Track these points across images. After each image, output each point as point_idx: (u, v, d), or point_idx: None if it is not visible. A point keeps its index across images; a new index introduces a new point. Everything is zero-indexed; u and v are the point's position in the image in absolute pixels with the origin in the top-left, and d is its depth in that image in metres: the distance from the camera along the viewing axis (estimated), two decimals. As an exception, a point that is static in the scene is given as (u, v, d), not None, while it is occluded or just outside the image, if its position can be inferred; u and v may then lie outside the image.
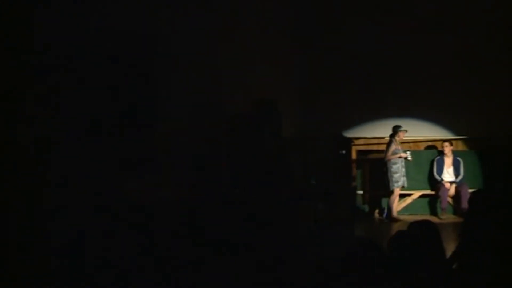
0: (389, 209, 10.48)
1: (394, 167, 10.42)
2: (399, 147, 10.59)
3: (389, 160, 10.44)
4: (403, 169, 10.51)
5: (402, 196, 10.85)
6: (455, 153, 10.89)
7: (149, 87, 6.09)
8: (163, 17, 6.42)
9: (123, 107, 5.59)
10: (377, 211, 11.15)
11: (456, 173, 10.78)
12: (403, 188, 10.58)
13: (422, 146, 11.54)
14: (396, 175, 10.43)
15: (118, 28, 5.51)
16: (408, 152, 10.63)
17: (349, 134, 11.85)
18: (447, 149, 10.79)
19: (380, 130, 11.66)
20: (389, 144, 10.54)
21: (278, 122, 8.61)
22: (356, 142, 11.76)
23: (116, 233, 5.10)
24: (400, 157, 10.47)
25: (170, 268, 5.03)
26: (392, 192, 10.49)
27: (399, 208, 10.81)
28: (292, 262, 5.81)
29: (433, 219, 10.39)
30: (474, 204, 4.60)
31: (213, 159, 7.68)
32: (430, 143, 11.56)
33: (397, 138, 10.52)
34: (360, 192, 11.27)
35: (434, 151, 11.38)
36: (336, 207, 8.72)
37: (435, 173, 10.83)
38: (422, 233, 4.21)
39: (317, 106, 11.91)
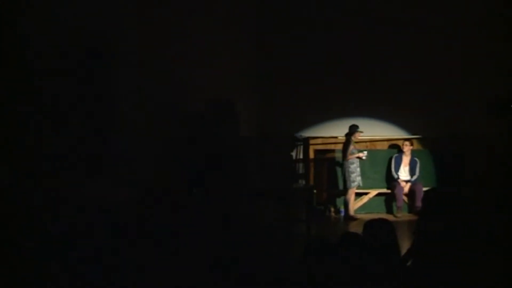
0: (346, 208, 10.59)
1: (352, 167, 10.52)
2: (355, 147, 10.70)
3: (347, 160, 10.53)
4: (358, 169, 10.61)
5: (359, 194, 10.97)
6: (413, 153, 11.07)
7: (102, 87, 6.00)
8: (115, 14, 6.32)
9: (74, 107, 5.49)
10: (333, 210, 11.24)
11: (412, 172, 10.97)
12: (358, 187, 10.69)
13: (378, 146, 11.70)
14: (353, 175, 10.53)
15: (67, 26, 5.41)
16: (365, 152, 10.74)
17: (307, 133, 11.92)
18: (407, 148, 10.99)
19: (337, 129, 11.76)
20: (346, 144, 10.63)
21: (236, 122, 8.60)
22: (314, 141, 11.83)
23: (71, 235, 5.02)
24: (357, 157, 10.58)
25: (124, 267, 4.98)
26: (347, 192, 10.59)
27: (356, 207, 10.93)
28: (249, 262, 5.81)
29: (389, 217, 10.53)
30: (427, 202, 4.68)
31: (169, 159, 7.61)
32: (392, 142, 11.72)
33: (353, 138, 10.61)
34: (320, 190, 11.35)
35: (391, 150, 11.54)
36: (292, 207, 8.76)
37: (392, 170, 11.01)
38: (378, 231, 4.26)
39: (275, 106, 11.95)
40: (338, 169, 11.04)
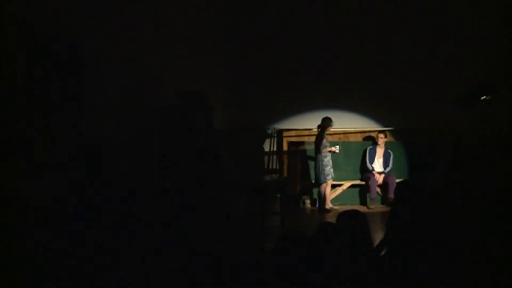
0: (321, 200, 10.64)
1: (325, 160, 10.56)
2: (327, 139, 10.72)
3: (321, 153, 10.56)
4: (331, 162, 10.66)
5: (332, 186, 11.02)
6: (387, 145, 11.15)
7: (68, 79, 5.91)
8: (84, 7, 6.25)
9: (38, 99, 5.41)
10: (308, 201, 11.28)
11: (385, 164, 11.06)
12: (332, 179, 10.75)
13: (351, 138, 11.76)
14: (327, 168, 10.57)
15: (35, 18, 5.33)
16: (337, 146, 10.79)
17: (280, 125, 11.93)
18: (381, 140, 11.05)
19: (311, 121, 11.79)
20: (319, 136, 10.64)
21: (209, 114, 8.56)
22: (287, 133, 11.86)
23: (33, 233, 4.95)
24: (330, 151, 10.63)
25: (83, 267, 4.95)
26: (320, 184, 10.65)
27: (329, 198, 11.00)
28: (223, 255, 5.81)
29: (363, 208, 10.62)
30: (400, 193, 4.74)
31: (143, 152, 7.56)
32: (366, 134, 11.79)
33: (325, 131, 10.64)
34: (294, 182, 11.38)
35: (364, 142, 11.61)
36: (267, 199, 8.77)
37: (367, 162, 11.09)
38: (351, 222, 4.30)
39: (248, 98, 11.94)
40: (311, 162, 11.08)
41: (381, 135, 11.10)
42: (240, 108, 11.91)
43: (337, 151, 10.72)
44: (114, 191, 6.21)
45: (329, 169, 10.60)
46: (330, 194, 11.02)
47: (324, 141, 10.59)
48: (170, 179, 7.44)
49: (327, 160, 10.58)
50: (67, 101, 5.84)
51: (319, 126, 10.71)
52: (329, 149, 10.62)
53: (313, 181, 10.89)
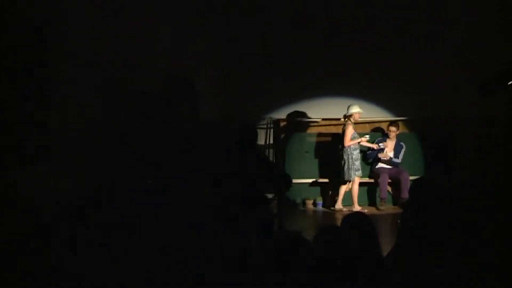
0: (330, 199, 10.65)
1: (355, 154, 10.58)
2: (356, 130, 10.73)
3: (349, 146, 10.59)
4: (360, 155, 10.71)
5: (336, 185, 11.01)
6: (399, 137, 11.10)
7: (43, 63, 5.87)
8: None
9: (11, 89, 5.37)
10: (310, 202, 11.26)
11: (395, 156, 11.00)
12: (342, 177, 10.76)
13: (359, 129, 11.65)
14: (357, 163, 10.60)
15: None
16: (367, 137, 10.82)
17: (277, 115, 11.91)
18: (393, 134, 10.98)
19: (312, 110, 11.76)
20: (346, 127, 10.69)
21: (196, 102, 8.52)
22: (284, 124, 11.82)
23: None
24: (360, 143, 10.66)
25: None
26: (346, 182, 10.73)
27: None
28: (213, 259, 5.79)
29: (371, 210, 10.60)
30: (415, 193, 4.67)
31: (120, 144, 7.52)
32: (376, 125, 11.75)
33: (352, 120, 10.65)
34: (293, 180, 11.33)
35: (373, 134, 11.56)
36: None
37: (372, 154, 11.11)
38: (355, 227, 4.25)
39: (242, 86, 11.89)
40: (307, 154, 11.07)
41: (393, 128, 11.02)
42: (233, 97, 11.85)
43: (366, 143, 10.77)
44: (87, 189, 6.18)
45: (359, 164, 10.62)
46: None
47: (352, 131, 10.60)
48: (151, 176, 7.41)
49: (357, 153, 10.61)
50: (32, 92, 5.78)
51: (345, 116, 10.70)
52: (358, 140, 10.62)
53: (343, 178, 10.81)
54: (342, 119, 10.86)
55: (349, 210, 10.39)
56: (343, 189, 10.73)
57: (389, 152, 11.05)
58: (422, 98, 11.58)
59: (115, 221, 5.91)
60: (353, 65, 11.80)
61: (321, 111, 11.53)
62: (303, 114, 11.90)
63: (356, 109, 10.64)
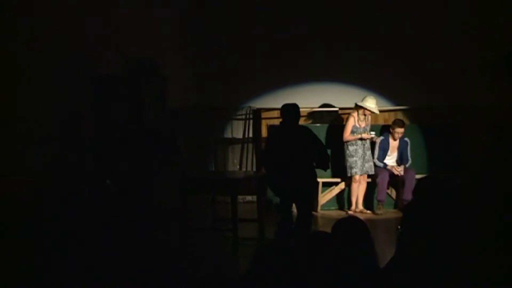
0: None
1: (351, 149, 10.61)
2: (365, 123, 10.72)
3: (347, 140, 10.69)
4: (360, 152, 10.69)
5: (328, 184, 10.99)
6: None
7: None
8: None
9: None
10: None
11: (403, 157, 10.92)
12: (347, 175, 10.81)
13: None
14: (351, 159, 10.61)
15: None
16: (373, 133, 10.79)
17: (258, 104, 11.93)
18: (397, 135, 10.87)
19: (298, 98, 11.71)
20: (348, 118, 10.80)
21: (163, 87, 8.51)
22: (267, 114, 11.83)
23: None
24: (361, 139, 10.66)
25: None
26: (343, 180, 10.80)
27: (323, 201, 10.97)
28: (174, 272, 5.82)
29: (367, 215, 10.60)
30: (419, 195, 4.65)
31: (74, 138, 7.49)
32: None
33: (354, 115, 10.70)
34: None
35: (372, 126, 11.57)
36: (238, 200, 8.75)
37: (375, 158, 10.98)
38: (348, 233, 4.23)
39: (216, 70, 11.83)
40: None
41: (400, 130, 10.89)
42: (205, 83, 11.80)
43: (374, 138, 10.76)
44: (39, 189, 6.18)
45: (354, 161, 10.61)
46: (325, 195, 10.99)
47: (353, 124, 10.66)
48: (109, 174, 7.40)
49: (353, 149, 10.63)
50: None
51: (356, 105, 10.80)
52: (359, 136, 10.62)
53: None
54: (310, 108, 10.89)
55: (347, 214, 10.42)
56: (354, 188, 10.76)
57: (392, 153, 11.00)
58: (424, 84, 11.60)
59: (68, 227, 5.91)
60: (345, 47, 11.77)
61: (308, 99, 11.49)
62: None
63: (369, 104, 10.66)
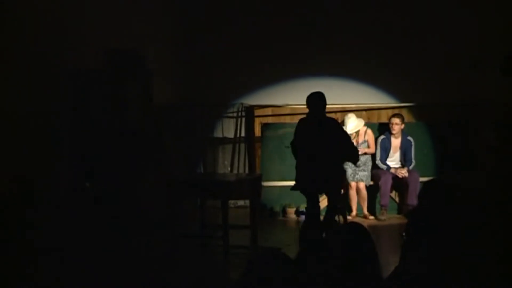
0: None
1: None
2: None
3: None
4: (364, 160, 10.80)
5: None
6: (404, 131, 11.07)
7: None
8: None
9: None
10: (292, 210, 11.24)
11: (406, 158, 10.95)
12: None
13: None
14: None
15: None
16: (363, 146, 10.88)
17: (251, 100, 11.93)
18: (397, 128, 10.89)
19: (294, 94, 11.73)
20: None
21: (148, 82, 8.51)
22: (261, 112, 11.84)
23: None
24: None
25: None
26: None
27: (322, 206, 10.96)
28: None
29: (370, 221, 10.61)
30: (426, 199, 4.64)
31: (50, 138, 7.49)
32: (374, 114, 11.74)
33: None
34: (271, 183, 11.34)
35: (372, 124, 11.58)
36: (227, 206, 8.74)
37: (377, 159, 10.98)
38: (348, 241, 4.23)
39: (205, 64, 11.84)
40: (289, 150, 11.05)
41: (396, 120, 10.96)
42: (193, 77, 11.80)
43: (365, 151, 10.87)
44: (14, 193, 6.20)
45: (345, 169, 10.65)
46: (322, 200, 11.00)
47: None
48: (90, 175, 7.41)
49: None
50: None
51: None
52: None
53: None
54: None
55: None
56: (352, 194, 10.86)
57: (394, 153, 11.01)
58: (431, 80, 11.63)
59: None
60: (346, 38, 11.81)
61: (305, 95, 11.47)
62: (282, 99, 11.89)
63: (349, 126, 10.69)
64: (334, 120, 8.97)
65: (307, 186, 8.64)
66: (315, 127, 8.49)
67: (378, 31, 11.73)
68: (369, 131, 10.97)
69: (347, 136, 8.83)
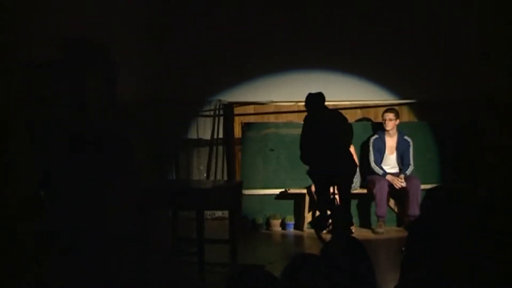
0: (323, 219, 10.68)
1: None
2: None
3: None
4: None
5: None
6: (401, 130, 11.10)
7: None
8: None
9: None
10: (277, 222, 11.26)
11: (404, 162, 10.97)
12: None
13: (347, 115, 11.73)
14: None
15: None
16: None
17: (230, 97, 11.97)
18: (390, 123, 10.91)
19: (283, 90, 11.76)
20: None
21: (111, 77, 8.49)
22: (241, 109, 11.90)
23: None
24: None
25: None
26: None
27: (310, 218, 10.98)
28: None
29: (366, 233, 10.63)
30: (429, 209, 4.64)
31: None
32: (370, 112, 11.80)
33: None
34: (253, 191, 11.36)
35: (363, 124, 11.60)
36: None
37: (372, 162, 10.99)
38: (342, 257, 4.24)
39: (177, 56, 11.85)
40: (273, 153, 11.10)
41: (389, 115, 10.98)
42: (165, 69, 11.80)
43: None
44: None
45: None
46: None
47: None
48: (45, 183, 7.39)
49: None
50: None
51: None
52: None
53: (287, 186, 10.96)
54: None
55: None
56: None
57: (389, 155, 11.03)
58: (434, 75, 11.68)
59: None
60: (338, 27, 11.87)
61: (292, 91, 11.52)
62: (266, 95, 11.91)
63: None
64: (338, 111, 10.14)
65: (322, 177, 9.62)
66: (324, 120, 9.53)
67: (372, 20, 11.78)
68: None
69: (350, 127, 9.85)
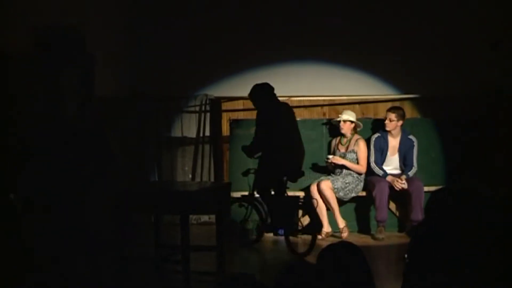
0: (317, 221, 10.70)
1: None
2: (342, 149, 11.01)
3: None
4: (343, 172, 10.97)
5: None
6: (405, 128, 11.10)
7: None
8: None
9: None
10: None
11: (406, 162, 10.98)
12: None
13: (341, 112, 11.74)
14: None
15: None
16: (330, 157, 10.92)
17: (217, 92, 11.97)
18: (391, 125, 10.90)
19: (274, 83, 11.74)
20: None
21: (88, 70, 8.48)
22: (229, 105, 11.93)
23: None
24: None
25: None
26: None
27: (305, 222, 10.98)
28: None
29: (365, 239, 10.62)
30: (433, 214, 4.64)
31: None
32: (370, 107, 11.82)
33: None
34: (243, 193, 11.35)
35: (365, 121, 11.60)
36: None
37: (372, 162, 10.99)
38: (338, 265, 4.23)
39: (160, 48, 11.85)
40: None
41: (392, 115, 10.98)
42: (147, 62, 11.79)
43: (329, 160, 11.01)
44: None
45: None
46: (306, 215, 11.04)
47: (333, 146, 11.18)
48: (15, 184, 7.37)
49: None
50: None
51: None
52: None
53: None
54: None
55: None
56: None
57: (391, 156, 11.03)
58: (440, 67, 11.70)
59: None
60: (333, 18, 11.91)
61: (284, 85, 11.51)
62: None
63: (345, 115, 11.02)
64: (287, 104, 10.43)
65: (288, 175, 9.84)
66: (280, 112, 9.87)
67: (377, 9, 11.80)
68: (361, 143, 10.99)
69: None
